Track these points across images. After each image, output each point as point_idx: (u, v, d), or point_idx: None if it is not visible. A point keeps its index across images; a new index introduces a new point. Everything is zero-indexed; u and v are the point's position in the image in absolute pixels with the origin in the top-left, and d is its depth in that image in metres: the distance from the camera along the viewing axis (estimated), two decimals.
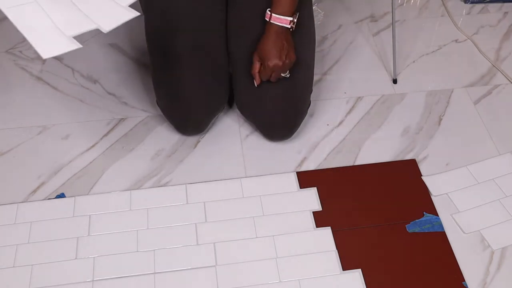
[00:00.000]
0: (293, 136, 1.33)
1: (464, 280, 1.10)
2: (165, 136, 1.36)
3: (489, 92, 1.47)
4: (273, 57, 1.16)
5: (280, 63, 1.16)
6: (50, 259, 1.12)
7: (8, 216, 1.19)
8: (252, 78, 1.23)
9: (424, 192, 1.24)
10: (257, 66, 1.19)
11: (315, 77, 1.39)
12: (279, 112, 1.27)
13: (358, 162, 1.31)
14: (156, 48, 1.29)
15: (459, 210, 1.20)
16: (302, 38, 1.24)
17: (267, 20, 1.16)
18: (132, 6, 0.96)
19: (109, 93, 1.47)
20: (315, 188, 1.25)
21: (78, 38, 0.90)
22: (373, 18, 1.66)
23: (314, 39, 1.31)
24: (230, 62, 1.32)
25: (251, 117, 1.32)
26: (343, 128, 1.38)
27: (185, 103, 1.27)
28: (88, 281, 1.09)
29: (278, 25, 1.15)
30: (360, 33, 1.64)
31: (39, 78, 1.50)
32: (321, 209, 1.21)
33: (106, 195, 1.23)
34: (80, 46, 0.89)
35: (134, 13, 0.94)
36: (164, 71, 1.28)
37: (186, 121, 1.32)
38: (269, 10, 1.16)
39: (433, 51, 1.58)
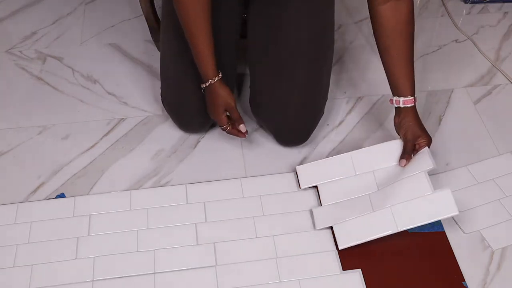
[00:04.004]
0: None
1: (464, 280, 1.10)
2: (165, 136, 1.36)
3: (489, 92, 1.47)
4: (426, 134, 1.20)
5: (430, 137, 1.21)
6: (50, 259, 1.12)
7: (8, 216, 1.19)
8: (273, 81, 1.25)
9: None
10: (410, 147, 1.20)
11: None
12: (299, 119, 1.28)
13: None
14: (168, 40, 1.29)
15: (459, 210, 1.20)
16: (329, 47, 1.28)
17: (405, 106, 1.19)
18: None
19: (109, 93, 1.47)
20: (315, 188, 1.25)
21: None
22: None
23: (333, 49, 1.33)
24: (249, 62, 1.32)
25: (267, 121, 1.31)
26: (343, 128, 1.38)
27: (191, 102, 1.27)
28: (88, 281, 1.09)
29: (413, 106, 1.19)
30: (360, 33, 1.64)
31: (39, 78, 1.50)
32: None
33: (106, 195, 1.23)
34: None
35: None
36: (173, 66, 1.28)
37: (190, 119, 1.32)
38: (397, 97, 1.19)
39: (433, 51, 1.58)
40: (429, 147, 1.19)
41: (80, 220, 1.18)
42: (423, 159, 1.17)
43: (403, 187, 1.15)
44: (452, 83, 1.49)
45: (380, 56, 1.19)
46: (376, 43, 1.18)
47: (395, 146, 1.22)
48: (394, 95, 1.20)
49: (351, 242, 1.13)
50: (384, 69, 1.20)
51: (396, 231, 1.11)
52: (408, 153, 1.19)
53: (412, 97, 1.18)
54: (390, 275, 1.11)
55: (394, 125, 1.23)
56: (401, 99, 1.19)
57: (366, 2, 1.15)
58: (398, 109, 1.21)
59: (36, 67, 1.54)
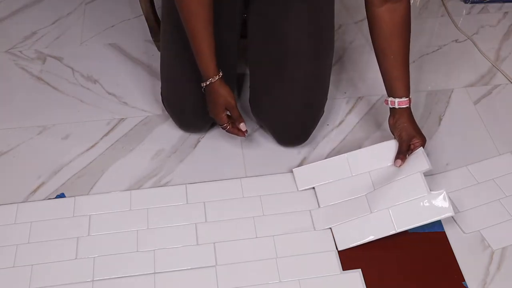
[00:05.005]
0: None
1: (464, 280, 1.10)
2: (165, 136, 1.36)
3: (489, 92, 1.47)
4: (421, 134, 1.20)
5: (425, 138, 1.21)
6: (50, 259, 1.12)
7: (8, 216, 1.19)
8: (273, 81, 1.25)
9: None
10: (405, 147, 1.20)
11: None
12: (299, 119, 1.28)
13: None
14: (168, 40, 1.29)
15: (459, 210, 1.20)
16: (329, 47, 1.28)
17: (400, 107, 1.19)
18: None
19: (109, 93, 1.47)
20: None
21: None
22: None
23: (333, 48, 1.33)
24: (249, 62, 1.32)
25: (267, 121, 1.31)
26: (343, 128, 1.38)
27: (191, 102, 1.27)
28: (88, 281, 1.09)
29: (408, 107, 1.20)
30: (360, 33, 1.64)
31: (39, 78, 1.50)
32: None
33: (106, 195, 1.23)
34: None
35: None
36: (173, 66, 1.28)
37: (191, 119, 1.32)
38: (392, 98, 1.20)
39: (433, 51, 1.58)
40: (423, 147, 1.20)
41: (80, 220, 1.18)
42: (419, 160, 1.17)
43: (400, 188, 1.15)
44: (452, 83, 1.49)
45: (376, 58, 1.19)
46: (373, 45, 1.19)
47: (391, 146, 1.23)
48: (389, 96, 1.21)
49: (350, 243, 1.13)
50: (380, 70, 1.20)
51: (394, 232, 1.12)
52: (403, 153, 1.19)
53: (407, 98, 1.19)
54: (390, 275, 1.11)
55: (389, 125, 1.23)
56: (396, 100, 1.19)
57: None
58: (393, 110, 1.21)
59: (36, 67, 1.54)
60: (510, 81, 1.49)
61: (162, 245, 1.14)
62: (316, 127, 1.33)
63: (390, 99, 1.20)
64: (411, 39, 1.17)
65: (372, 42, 1.18)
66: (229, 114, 1.21)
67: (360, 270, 1.11)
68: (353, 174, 1.23)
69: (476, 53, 1.58)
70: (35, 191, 1.25)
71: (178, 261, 1.12)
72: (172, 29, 1.26)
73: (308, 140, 1.33)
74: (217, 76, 1.16)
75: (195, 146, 1.34)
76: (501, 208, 1.20)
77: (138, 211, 1.20)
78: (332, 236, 1.15)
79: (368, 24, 1.17)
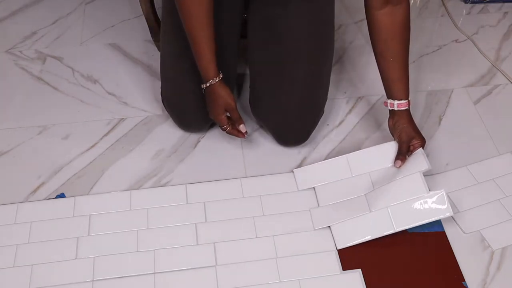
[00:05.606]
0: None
1: (464, 280, 1.10)
2: (165, 136, 1.36)
3: (489, 92, 1.47)
4: (420, 135, 1.21)
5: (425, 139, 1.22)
6: (50, 259, 1.12)
7: (8, 216, 1.19)
8: (273, 80, 1.25)
9: None
10: (405, 148, 1.20)
11: None
12: (299, 119, 1.28)
13: None
14: (168, 40, 1.29)
15: (459, 210, 1.20)
16: (329, 47, 1.28)
17: (399, 109, 1.20)
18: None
19: (109, 93, 1.47)
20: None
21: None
22: None
23: (333, 48, 1.33)
24: (249, 62, 1.32)
25: (267, 121, 1.31)
26: (343, 128, 1.38)
27: (191, 101, 1.27)
28: (88, 281, 1.09)
29: (407, 109, 1.20)
30: (360, 33, 1.64)
31: (39, 78, 1.50)
32: None
33: (106, 195, 1.23)
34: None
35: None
36: (173, 66, 1.28)
37: (191, 119, 1.32)
38: (392, 100, 1.20)
39: (433, 51, 1.58)
40: (423, 148, 1.20)
41: (80, 220, 1.18)
42: (418, 160, 1.17)
43: (399, 188, 1.16)
44: (452, 83, 1.49)
45: (376, 60, 1.20)
46: (372, 47, 1.19)
47: (390, 147, 1.23)
48: (388, 98, 1.21)
49: (349, 242, 1.13)
50: (380, 72, 1.20)
51: (393, 231, 1.12)
52: (403, 154, 1.19)
53: (406, 101, 1.19)
54: (390, 275, 1.11)
55: (389, 127, 1.23)
56: (396, 102, 1.19)
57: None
58: (392, 112, 1.21)
59: (36, 67, 1.54)
60: (510, 81, 1.49)
61: (162, 245, 1.14)
62: (316, 127, 1.33)
63: (389, 101, 1.20)
64: (411, 39, 1.18)
65: (372, 44, 1.18)
66: (229, 115, 1.21)
67: (360, 270, 1.11)
68: (353, 175, 1.23)
69: (476, 53, 1.58)
70: (35, 191, 1.25)
71: (178, 261, 1.12)
72: (172, 29, 1.26)
73: (308, 140, 1.33)
74: (217, 78, 1.16)
75: (195, 146, 1.34)
76: (501, 208, 1.20)
77: (138, 211, 1.20)
78: (331, 235, 1.16)
79: (368, 27, 1.17)
